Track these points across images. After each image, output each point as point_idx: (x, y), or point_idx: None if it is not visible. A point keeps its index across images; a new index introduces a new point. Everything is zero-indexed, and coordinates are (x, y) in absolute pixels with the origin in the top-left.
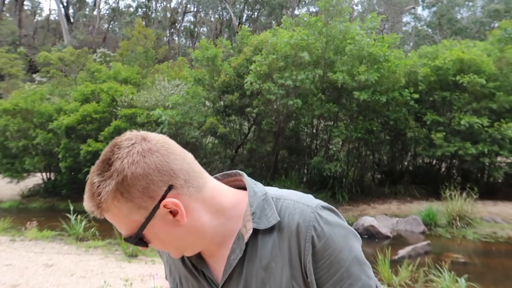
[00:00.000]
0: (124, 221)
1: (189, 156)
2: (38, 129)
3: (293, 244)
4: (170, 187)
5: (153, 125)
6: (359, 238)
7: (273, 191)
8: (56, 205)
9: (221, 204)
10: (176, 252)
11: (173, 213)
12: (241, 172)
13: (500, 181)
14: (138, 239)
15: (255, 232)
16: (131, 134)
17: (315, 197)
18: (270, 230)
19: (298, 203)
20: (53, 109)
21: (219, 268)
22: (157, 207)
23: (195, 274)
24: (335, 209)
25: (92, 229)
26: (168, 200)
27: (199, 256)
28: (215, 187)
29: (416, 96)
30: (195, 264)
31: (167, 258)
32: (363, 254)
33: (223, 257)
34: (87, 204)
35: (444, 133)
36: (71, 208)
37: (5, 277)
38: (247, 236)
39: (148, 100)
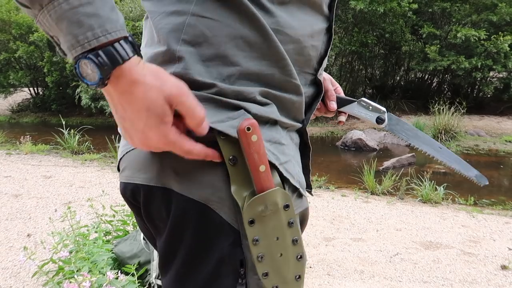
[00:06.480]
0: None
1: None
2: (18, 42)
3: None
4: None
5: (140, 37)
6: None
7: None
8: (48, 120)
9: None
10: None
11: None
12: None
13: (489, 96)
14: None
15: None
16: None
17: None
18: None
19: None
20: (31, 19)
21: None
22: None
23: None
24: None
25: (87, 143)
26: None
27: None
28: None
29: (415, 6)
30: None
31: None
32: None
33: None
34: None
35: (438, 46)
36: (63, 122)
37: (6, 187)
38: None
39: (132, 10)
